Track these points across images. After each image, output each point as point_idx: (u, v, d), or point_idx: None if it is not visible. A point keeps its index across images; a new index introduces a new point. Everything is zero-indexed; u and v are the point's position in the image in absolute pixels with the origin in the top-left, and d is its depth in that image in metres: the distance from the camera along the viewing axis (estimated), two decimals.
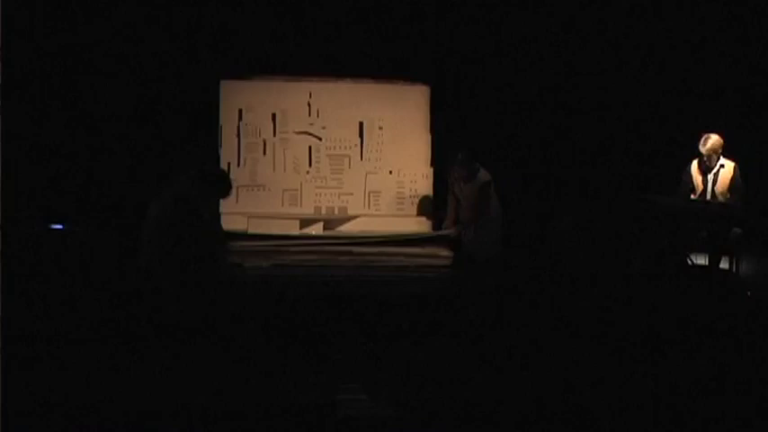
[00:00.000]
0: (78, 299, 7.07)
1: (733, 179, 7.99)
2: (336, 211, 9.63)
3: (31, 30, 8.57)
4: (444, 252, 8.61)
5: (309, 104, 9.57)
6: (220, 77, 9.32)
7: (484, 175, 8.13)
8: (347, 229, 9.47)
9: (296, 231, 9.21)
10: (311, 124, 9.60)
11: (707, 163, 8.03)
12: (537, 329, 6.86)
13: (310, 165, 9.64)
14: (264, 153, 9.58)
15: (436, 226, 9.25)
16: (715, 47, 9.37)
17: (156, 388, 5.62)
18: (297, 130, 9.57)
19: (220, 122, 9.39)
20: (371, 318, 7.06)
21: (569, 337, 6.68)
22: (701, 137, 8.01)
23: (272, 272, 8.20)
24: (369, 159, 9.67)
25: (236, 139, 9.49)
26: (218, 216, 7.93)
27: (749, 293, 7.83)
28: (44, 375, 5.75)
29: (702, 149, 7.99)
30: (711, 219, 7.94)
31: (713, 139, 7.98)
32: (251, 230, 9.16)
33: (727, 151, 8.04)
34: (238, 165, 9.52)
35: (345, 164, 9.65)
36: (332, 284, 7.93)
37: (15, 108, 7.26)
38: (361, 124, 9.64)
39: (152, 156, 8.69)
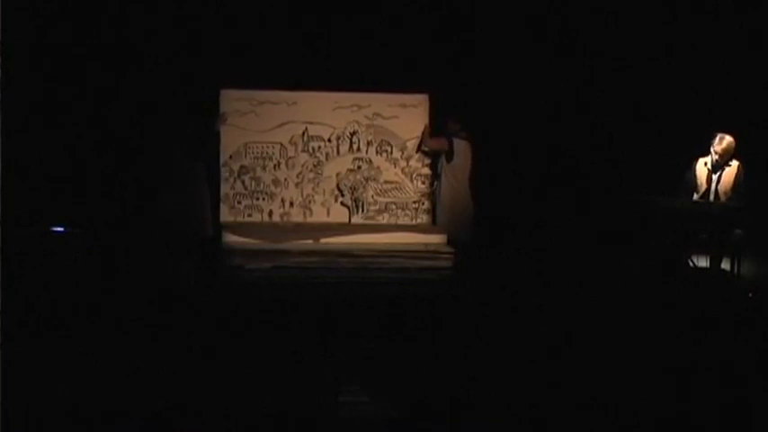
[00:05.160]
0: (78, 299, 7.08)
1: (737, 178, 7.96)
2: None
3: (33, 32, 8.58)
4: (444, 252, 8.62)
5: None
6: (220, 87, 9.31)
7: (456, 139, 8.79)
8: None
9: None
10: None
11: (717, 162, 7.97)
12: (537, 331, 6.86)
13: None
14: None
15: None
16: (716, 45, 9.35)
17: (155, 388, 5.62)
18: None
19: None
20: (372, 318, 7.06)
21: (570, 339, 6.67)
22: (716, 136, 7.95)
23: (273, 273, 8.21)
24: None
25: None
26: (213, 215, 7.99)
27: (751, 295, 7.82)
28: (44, 374, 5.74)
29: (717, 149, 7.91)
30: (713, 220, 7.92)
31: (728, 140, 7.92)
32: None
33: None
34: None
35: None
36: (332, 285, 7.94)
37: (15, 108, 7.26)
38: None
39: (152, 157, 8.68)
